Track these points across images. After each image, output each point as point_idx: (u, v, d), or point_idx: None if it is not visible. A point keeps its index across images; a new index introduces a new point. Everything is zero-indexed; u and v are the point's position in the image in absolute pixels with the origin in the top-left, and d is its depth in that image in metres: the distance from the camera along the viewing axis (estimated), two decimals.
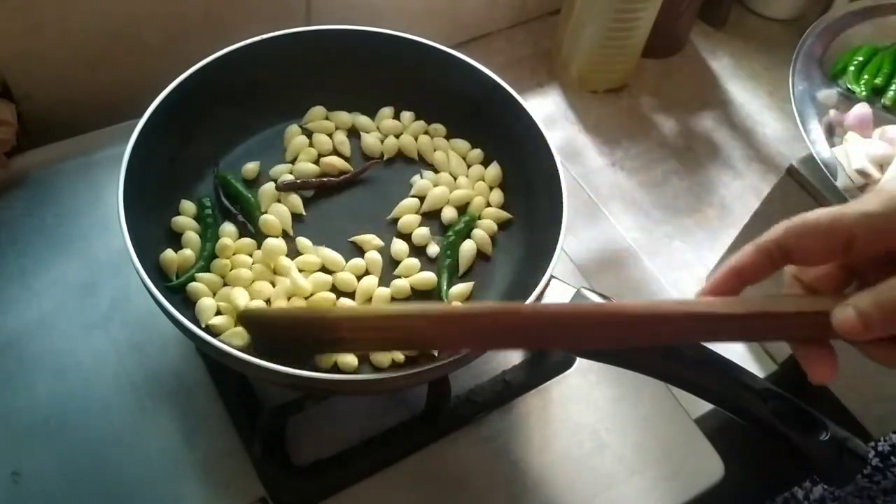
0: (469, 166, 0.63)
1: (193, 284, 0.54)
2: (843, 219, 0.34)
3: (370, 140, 0.63)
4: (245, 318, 0.45)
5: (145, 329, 0.58)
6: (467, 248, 0.58)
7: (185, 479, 0.53)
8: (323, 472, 0.54)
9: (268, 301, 0.54)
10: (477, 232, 0.59)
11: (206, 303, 0.53)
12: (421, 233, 0.59)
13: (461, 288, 0.56)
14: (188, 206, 0.58)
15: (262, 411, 0.53)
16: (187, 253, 0.55)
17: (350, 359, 0.52)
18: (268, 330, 0.41)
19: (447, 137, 0.65)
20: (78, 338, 0.58)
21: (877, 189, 0.35)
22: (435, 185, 0.61)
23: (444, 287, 0.56)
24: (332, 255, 0.56)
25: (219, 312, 0.53)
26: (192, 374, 0.57)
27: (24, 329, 0.58)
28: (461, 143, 0.64)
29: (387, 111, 0.65)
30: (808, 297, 0.37)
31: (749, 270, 0.37)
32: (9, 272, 0.60)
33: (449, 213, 0.60)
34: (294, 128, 0.64)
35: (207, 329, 0.51)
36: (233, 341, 0.50)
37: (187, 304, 0.53)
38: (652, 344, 0.43)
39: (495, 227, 0.60)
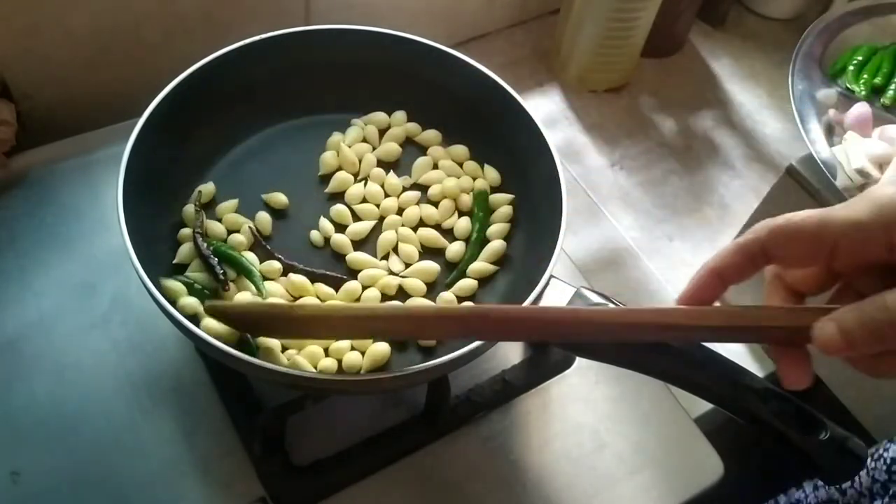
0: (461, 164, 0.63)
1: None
2: (829, 226, 0.33)
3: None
4: (212, 310, 0.43)
5: (145, 329, 0.58)
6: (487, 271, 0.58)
7: (185, 479, 0.53)
8: (323, 472, 0.54)
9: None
10: (492, 246, 0.59)
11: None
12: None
13: (467, 283, 0.57)
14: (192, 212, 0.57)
15: (262, 411, 0.53)
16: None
17: (355, 357, 0.52)
18: (235, 322, 0.45)
19: (446, 137, 0.65)
20: (78, 338, 0.58)
21: (867, 192, 0.33)
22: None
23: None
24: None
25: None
26: (192, 374, 0.57)
27: (24, 329, 0.58)
28: (459, 149, 0.64)
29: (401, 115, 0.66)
30: (788, 309, 0.36)
31: (730, 271, 0.35)
32: (9, 272, 0.60)
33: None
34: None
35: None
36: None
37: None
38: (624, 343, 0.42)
39: (505, 239, 0.60)
